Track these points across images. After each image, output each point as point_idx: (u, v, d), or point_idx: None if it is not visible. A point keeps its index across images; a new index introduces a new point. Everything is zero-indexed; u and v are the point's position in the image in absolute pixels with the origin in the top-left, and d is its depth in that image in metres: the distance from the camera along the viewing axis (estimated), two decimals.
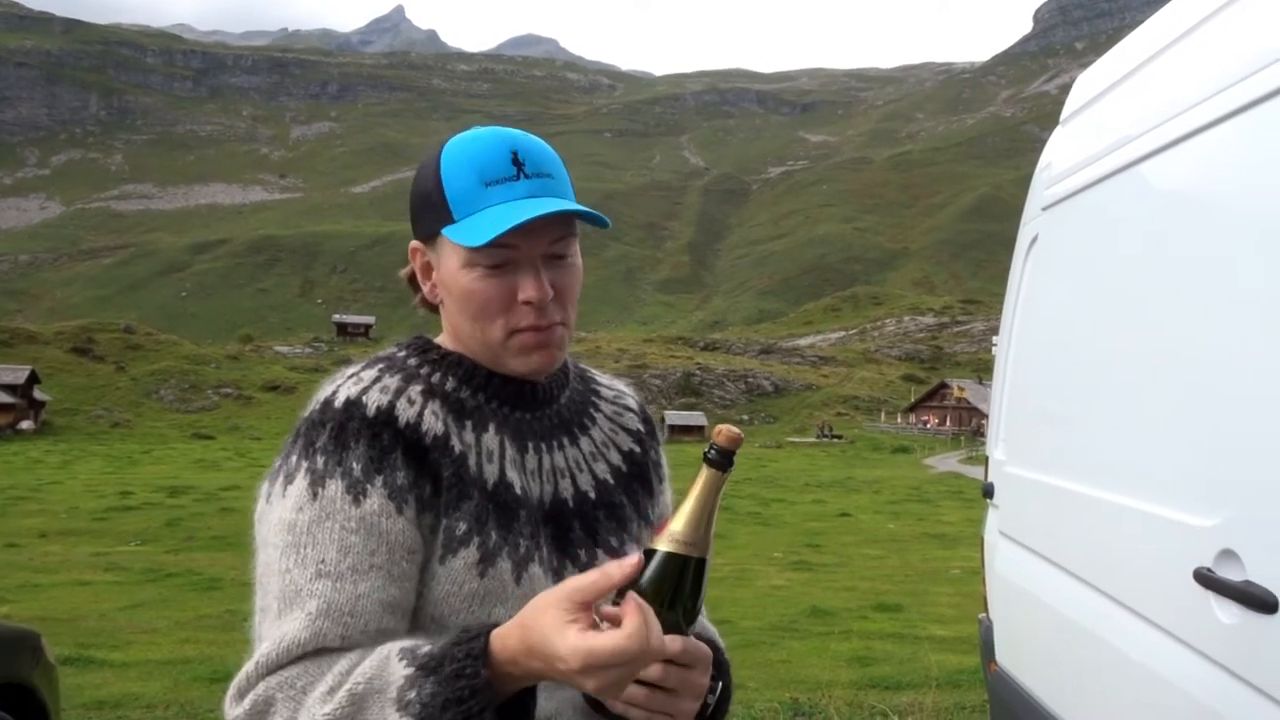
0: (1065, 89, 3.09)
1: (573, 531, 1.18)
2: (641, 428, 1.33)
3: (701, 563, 1.01)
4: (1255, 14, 1.87)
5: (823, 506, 25.72)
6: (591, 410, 1.29)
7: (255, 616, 1.07)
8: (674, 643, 0.97)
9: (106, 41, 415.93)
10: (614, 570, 0.93)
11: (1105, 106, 2.68)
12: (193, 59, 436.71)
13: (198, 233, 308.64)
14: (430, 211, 1.14)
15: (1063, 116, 3.07)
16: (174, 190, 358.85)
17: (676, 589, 0.99)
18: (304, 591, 1.02)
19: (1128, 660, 2.09)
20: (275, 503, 1.08)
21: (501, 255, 1.11)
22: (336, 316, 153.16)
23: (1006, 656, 3.08)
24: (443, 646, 0.96)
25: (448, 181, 1.12)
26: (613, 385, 1.35)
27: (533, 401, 1.20)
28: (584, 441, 1.25)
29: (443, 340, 1.22)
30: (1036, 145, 3.52)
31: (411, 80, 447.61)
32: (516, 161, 1.13)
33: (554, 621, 0.91)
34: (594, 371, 1.35)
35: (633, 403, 1.35)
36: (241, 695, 1.00)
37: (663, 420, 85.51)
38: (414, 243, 1.18)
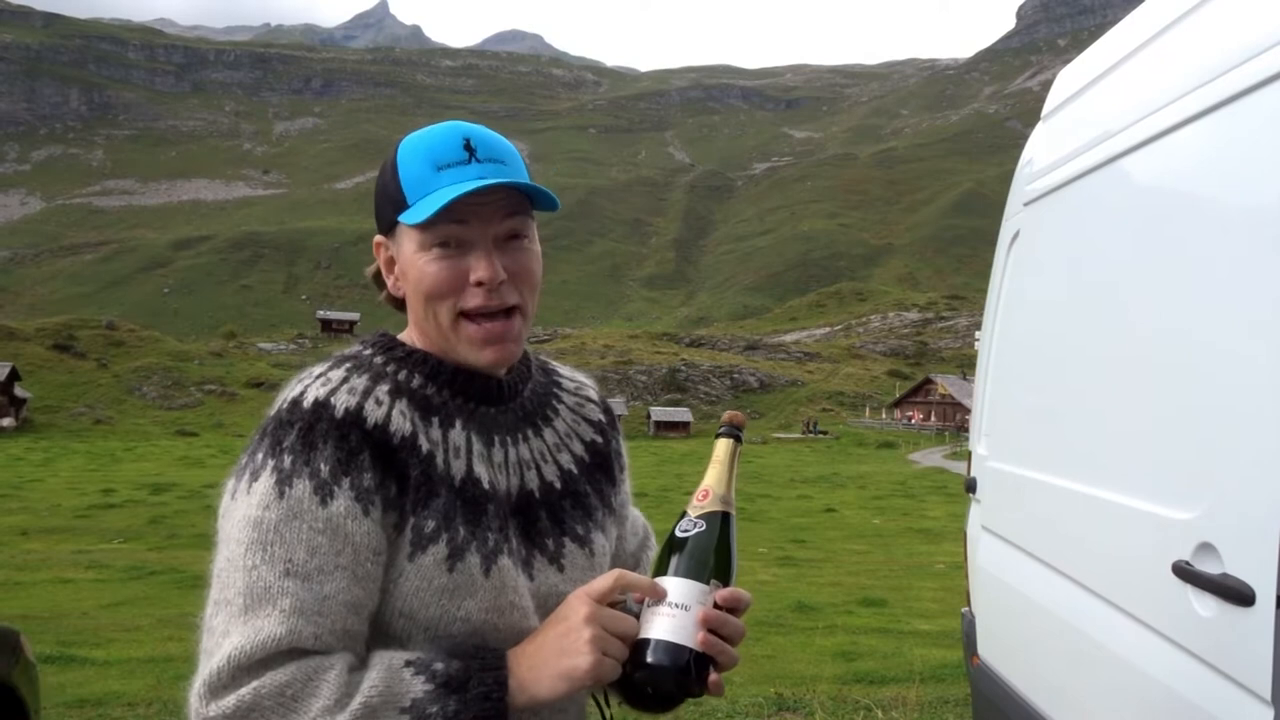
0: (1048, 85, 3.11)
1: (540, 521, 1.21)
2: (603, 418, 1.35)
3: (731, 517, 1.16)
4: (1233, 10, 1.88)
5: (808, 502, 25.75)
6: (554, 402, 1.30)
7: (209, 608, 1.06)
8: (722, 592, 1.11)
9: (87, 36, 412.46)
10: (626, 573, 1.10)
11: (1086, 102, 2.69)
12: (174, 54, 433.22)
13: (180, 229, 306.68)
14: (388, 203, 1.16)
15: (1044, 112, 3.08)
16: (156, 186, 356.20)
17: (721, 542, 1.13)
18: (274, 589, 1.02)
19: (1107, 653, 2.10)
20: (240, 499, 1.08)
21: (452, 233, 1.13)
22: (321, 313, 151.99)
23: (988, 650, 3.09)
24: (462, 666, 1.04)
25: (403, 169, 1.14)
26: (574, 377, 1.37)
27: (498, 396, 1.21)
28: (548, 433, 1.27)
29: (406, 336, 1.23)
30: (1019, 141, 3.53)
31: (395, 76, 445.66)
32: (469, 148, 1.15)
33: (568, 598, 1.10)
34: (555, 364, 1.37)
35: (593, 394, 1.37)
36: (216, 693, 0.99)
37: (648, 417, 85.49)
38: (377, 238, 1.20)
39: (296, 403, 1.11)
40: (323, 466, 1.07)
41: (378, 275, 1.24)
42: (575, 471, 1.27)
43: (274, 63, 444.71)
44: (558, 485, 1.24)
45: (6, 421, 71.23)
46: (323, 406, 1.09)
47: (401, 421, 1.12)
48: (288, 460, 1.07)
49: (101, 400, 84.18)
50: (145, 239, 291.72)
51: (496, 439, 1.20)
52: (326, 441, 1.08)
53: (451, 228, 1.12)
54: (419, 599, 1.09)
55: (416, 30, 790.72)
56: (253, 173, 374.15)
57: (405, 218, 1.13)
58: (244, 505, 1.07)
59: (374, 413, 1.11)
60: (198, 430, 75.78)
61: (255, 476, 1.08)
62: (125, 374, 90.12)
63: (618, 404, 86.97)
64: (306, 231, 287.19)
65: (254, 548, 1.04)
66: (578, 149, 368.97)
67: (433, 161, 1.14)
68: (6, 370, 72.67)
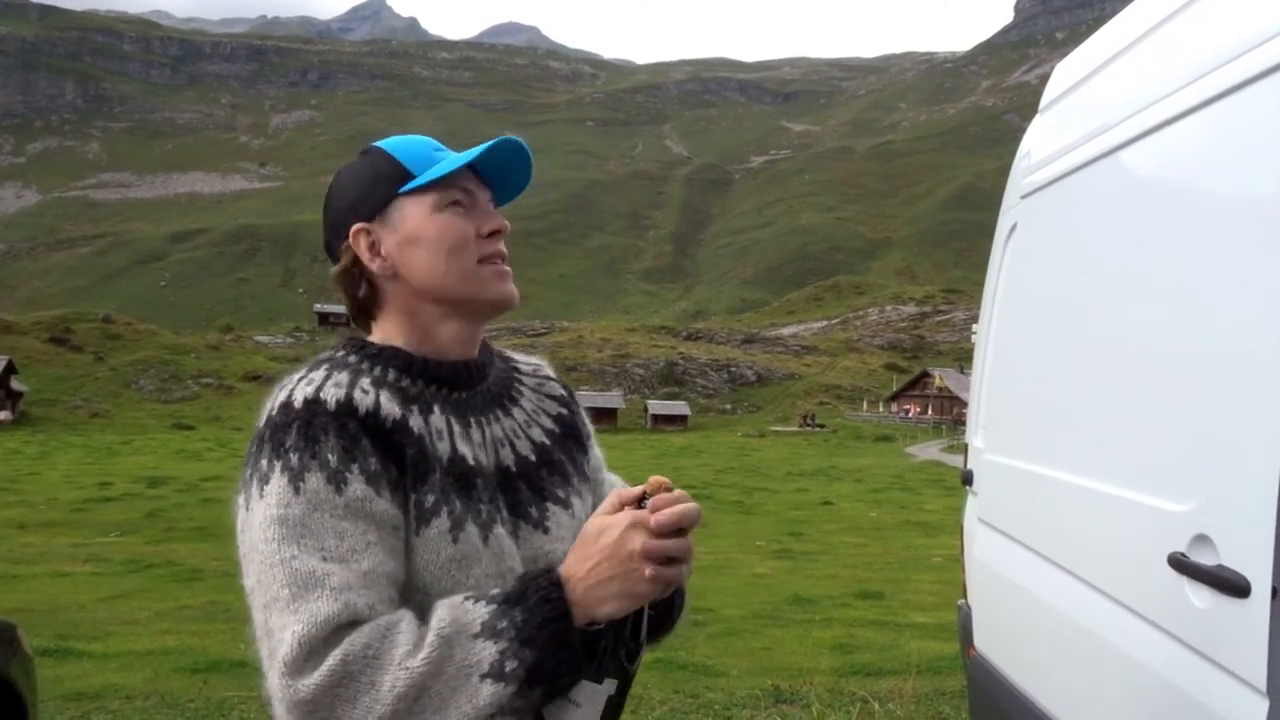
0: (1045, 79, 3.11)
1: (520, 493, 1.27)
2: (564, 392, 1.44)
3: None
4: (1231, 2, 1.88)
5: (805, 495, 25.79)
6: (517, 384, 1.38)
7: (257, 616, 1.09)
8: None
9: (82, 28, 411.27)
10: (625, 492, 1.16)
11: (1083, 95, 2.69)
12: (170, 46, 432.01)
13: (177, 222, 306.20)
14: (379, 186, 1.25)
15: (1041, 105, 3.08)
16: (152, 179, 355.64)
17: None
18: (317, 572, 1.05)
19: (1103, 644, 2.10)
20: (255, 506, 1.10)
21: (464, 195, 1.25)
22: (318, 306, 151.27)
23: (985, 642, 3.10)
24: (515, 586, 1.10)
25: (398, 152, 1.26)
26: (529, 361, 1.46)
27: (467, 381, 1.28)
28: (516, 412, 1.34)
29: (376, 337, 1.29)
30: (1017, 135, 3.52)
31: (392, 68, 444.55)
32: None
33: (599, 515, 1.14)
34: (510, 351, 1.45)
35: (550, 372, 1.46)
36: (299, 672, 1.02)
37: (645, 410, 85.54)
38: (357, 225, 1.24)
39: (287, 404, 1.14)
40: (330, 457, 1.10)
41: (348, 275, 1.27)
42: (548, 443, 1.34)
43: (270, 55, 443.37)
44: (532, 458, 1.30)
45: (3, 415, 71.19)
46: (314, 402, 1.13)
47: (391, 406, 1.17)
48: (294, 458, 1.10)
49: (98, 393, 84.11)
50: (141, 232, 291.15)
51: (472, 420, 1.26)
52: (328, 433, 1.11)
53: (461, 192, 1.25)
54: (430, 572, 1.14)
55: (413, 22, 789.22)
56: (249, 165, 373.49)
57: (423, 178, 1.23)
58: (261, 511, 1.09)
59: (363, 400, 1.15)
60: (195, 423, 75.72)
61: (265, 481, 1.10)
62: (122, 367, 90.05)
63: (615, 397, 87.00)
64: (303, 224, 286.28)
65: (286, 542, 1.07)
66: (575, 142, 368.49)
67: (428, 146, 1.28)
68: (3, 363, 72.63)
